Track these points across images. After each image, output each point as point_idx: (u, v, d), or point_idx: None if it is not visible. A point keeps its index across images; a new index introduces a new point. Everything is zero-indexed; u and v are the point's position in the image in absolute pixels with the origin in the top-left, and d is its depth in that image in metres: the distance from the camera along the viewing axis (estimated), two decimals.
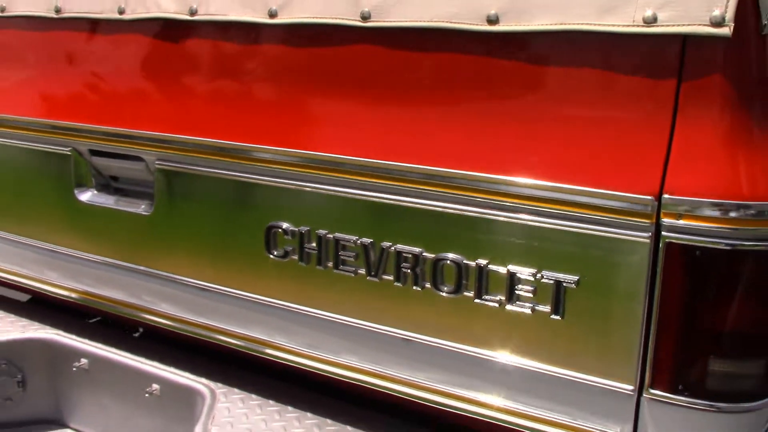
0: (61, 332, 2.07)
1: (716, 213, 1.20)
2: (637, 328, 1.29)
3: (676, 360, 1.28)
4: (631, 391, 1.32)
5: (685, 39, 1.22)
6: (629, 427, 1.34)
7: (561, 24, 1.30)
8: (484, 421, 1.48)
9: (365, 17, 1.47)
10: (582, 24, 1.28)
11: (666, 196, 1.22)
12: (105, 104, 1.88)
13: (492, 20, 1.35)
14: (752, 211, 1.19)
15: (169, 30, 1.76)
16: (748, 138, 1.22)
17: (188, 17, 1.69)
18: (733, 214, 1.19)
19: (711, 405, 1.28)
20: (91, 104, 1.91)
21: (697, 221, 1.21)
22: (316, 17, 1.54)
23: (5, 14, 2.01)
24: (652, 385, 1.30)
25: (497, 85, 1.40)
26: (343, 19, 1.50)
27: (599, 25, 1.26)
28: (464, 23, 1.38)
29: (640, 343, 1.29)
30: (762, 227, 1.19)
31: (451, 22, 1.39)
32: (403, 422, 1.66)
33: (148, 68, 1.83)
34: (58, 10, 1.90)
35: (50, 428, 2.11)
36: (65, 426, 2.12)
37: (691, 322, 1.26)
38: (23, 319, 2.17)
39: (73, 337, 2.04)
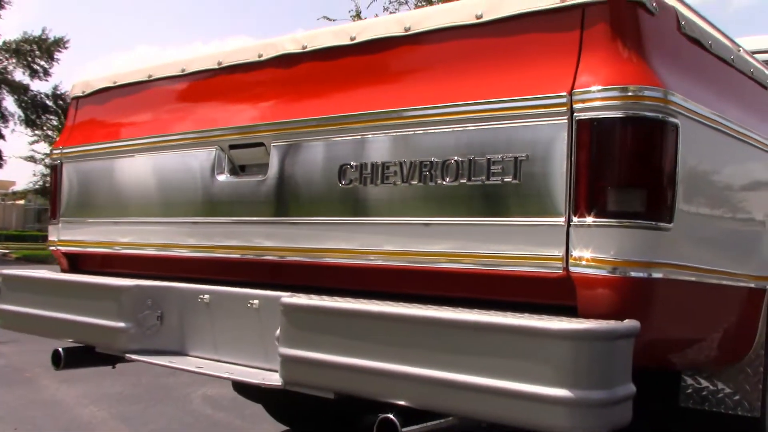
0: (191, 283, 2.89)
1: (600, 95, 1.98)
2: (564, 178, 2.01)
3: (587, 195, 1.98)
4: (563, 222, 2.01)
5: (584, 7, 2.08)
6: (563, 247, 2.00)
7: (522, 9, 2.19)
8: (479, 271, 2.15)
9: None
10: (531, 7, 2.17)
11: (575, 90, 2.01)
12: (240, 115, 2.86)
13: (479, 16, 2.26)
14: (619, 93, 1.97)
15: (284, 63, 2.76)
16: (617, 59, 2.02)
17: (301, 51, 2.69)
18: (608, 95, 1.97)
19: (612, 222, 1.95)
20: (231, 115, 2.89)
21: (591, 102, 1.99)
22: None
23: (184, 73, 3.09)
24: (575, 216, 1.99)
25: (481, 51, 2.28)
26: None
27: (543, 6, 2.15)
28: (459, 22, 2.30)
29: (566, 189, 2.01)
30: (623, 101, 1.96)
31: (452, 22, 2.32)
32: None
33: (271, 85, 2.81)
34: (219, 63, 2.96)
35: (176, 355, 2.85)
36: (186, 355, 2.85)
37: (594, 169, 1.98)
38: (165, 280, 3.02)
39: (199, 283, 2.86)
